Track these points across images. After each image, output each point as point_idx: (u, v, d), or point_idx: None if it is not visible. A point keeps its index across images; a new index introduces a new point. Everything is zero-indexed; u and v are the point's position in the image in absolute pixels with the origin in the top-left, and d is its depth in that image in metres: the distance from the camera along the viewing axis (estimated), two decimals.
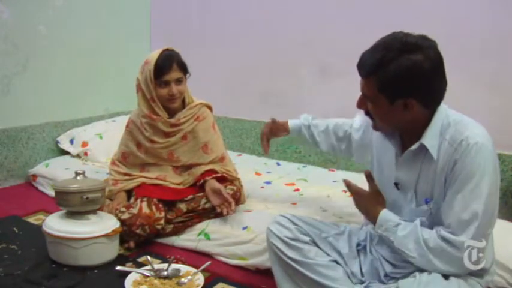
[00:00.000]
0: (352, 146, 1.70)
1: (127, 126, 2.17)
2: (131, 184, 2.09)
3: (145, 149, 2.12)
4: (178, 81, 2.01)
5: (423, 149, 1.25)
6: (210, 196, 1.98)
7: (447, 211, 1.19)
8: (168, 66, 1.96)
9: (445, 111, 1.26)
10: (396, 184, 1.34)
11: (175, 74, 1.99)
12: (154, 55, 2.00)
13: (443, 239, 1.17)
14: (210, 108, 2.20)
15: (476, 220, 1.15)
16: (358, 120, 1.65)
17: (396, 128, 1.30)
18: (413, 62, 1.16)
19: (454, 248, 1.16)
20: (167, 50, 2.02)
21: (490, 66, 2.25)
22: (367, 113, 1.33)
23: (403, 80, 1.18)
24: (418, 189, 1.28)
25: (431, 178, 1.25)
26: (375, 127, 1.34)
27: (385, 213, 1.29)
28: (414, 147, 1.26)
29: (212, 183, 2.01)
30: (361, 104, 1.31)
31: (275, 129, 1.88)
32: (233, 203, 1.95)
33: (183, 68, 2.02)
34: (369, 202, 1.35)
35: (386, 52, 1.19)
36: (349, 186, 1.39)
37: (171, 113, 2.08)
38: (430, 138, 1.23)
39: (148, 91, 2.02)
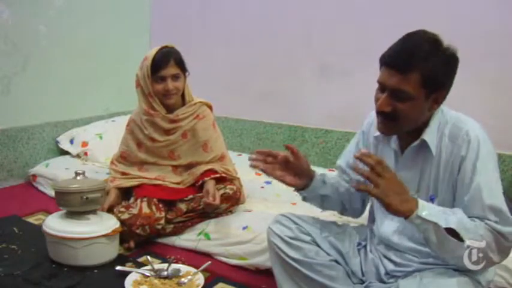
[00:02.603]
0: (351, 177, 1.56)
1: (127, 125, 2.18)
2: (129, 182, 2.09)
3: (145, 148, 2.12)
4: (175, 77, 2.01)
5: (423, 145, 1.27)
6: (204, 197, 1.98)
7: (472, 206, 1.18)
8: (164, 61, 1.97)
9: (441, 110, 1.28)
10: None
11: (171, 69, 1.99)
12: (153, 51, 2.02)
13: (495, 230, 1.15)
14: (210, 107, 2.20)
15: (502, 211, 1.16)
16: (343, 160, 1.60)
17: (413, 126, 1.26)
18: (451, 53, 1.20)
19: (504, 239, 1.15)
20: (166, 47, 2.04)
21: (493, 67, 2.25)
22: (383, 114, 1.23)
23: (446, 72, 1.20)
24: (421, 186, 1.29)
25: (435, 174, 1.26)
26: (387, 129, 1.28)
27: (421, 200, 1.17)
28: (416, 143, 1.28)
29: (207, 185, 2.00)
30: (386, 105, 1.22)
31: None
32: (214, 204, 1.91)
33: (181, 65, 2.03)
34: (400, 186, 1.16)
35: (421, 47, 1.19)
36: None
37: (170, 110, 2.08)
38: (429, 135, 1.26)
39: (146, 86, 2.03)
